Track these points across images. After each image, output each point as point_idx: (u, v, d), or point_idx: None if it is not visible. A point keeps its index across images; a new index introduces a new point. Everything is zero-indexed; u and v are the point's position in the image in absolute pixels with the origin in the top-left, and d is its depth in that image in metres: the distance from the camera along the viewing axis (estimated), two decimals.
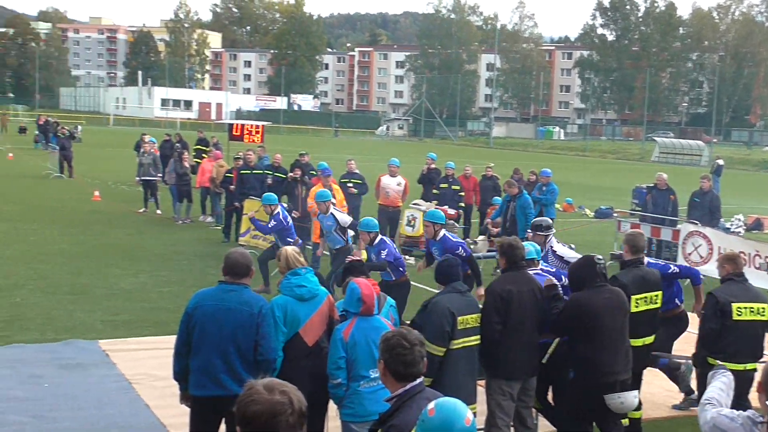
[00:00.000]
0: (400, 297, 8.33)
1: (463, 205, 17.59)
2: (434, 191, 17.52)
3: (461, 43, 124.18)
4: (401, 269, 9.37)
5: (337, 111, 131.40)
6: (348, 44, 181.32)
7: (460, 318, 6.12)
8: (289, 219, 12.41)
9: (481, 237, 17.11)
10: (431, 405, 3.27)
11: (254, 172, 17.27)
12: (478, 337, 6.29)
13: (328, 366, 5.56)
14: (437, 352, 5.92)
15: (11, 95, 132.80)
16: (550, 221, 9.73)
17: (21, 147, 44.02)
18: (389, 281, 9.23)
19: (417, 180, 18.88)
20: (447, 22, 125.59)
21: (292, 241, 11.62)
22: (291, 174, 16.85)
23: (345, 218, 11.49)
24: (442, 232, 9.27)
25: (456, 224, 17.07)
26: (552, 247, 8.81)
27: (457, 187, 17.42)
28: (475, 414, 6.21)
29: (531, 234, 9.02)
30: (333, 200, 12.21)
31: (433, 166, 18.93)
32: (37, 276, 13.08)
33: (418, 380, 3.95)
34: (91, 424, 7.14)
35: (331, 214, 11.30)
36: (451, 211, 16.72)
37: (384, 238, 9.59)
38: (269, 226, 12.12)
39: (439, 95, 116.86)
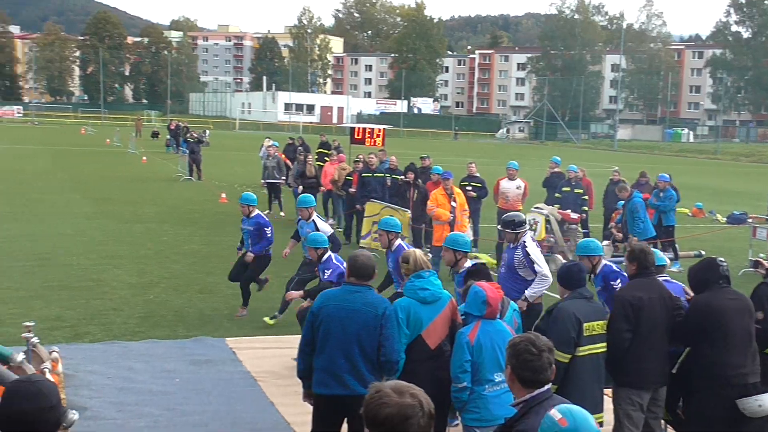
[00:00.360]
0: None
1: (586, 209, 17.20)
2: (556, 195, 17.21)
3: (585, 43, 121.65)
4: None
5: (457, 114, 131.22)
6: (468, 47, 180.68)
7: (586, 324, 5.97)
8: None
9: (605, 242, 16.66)
10: (558, 414, 3.17)
11: (375, 175, 17.42)
12: (605, 344, 6.11)
13: (452, 369, 5.53)
14: (562, 358, 5.79)
15: (145, 101, 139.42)
16: (523, 218, 8.89)
17: (153, 151, 46.07)
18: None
19: (542, 184, 18.60)
20: (570, 22, 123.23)
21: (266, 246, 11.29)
22: (401, 178, 16.94)
23: (326, 228, 10.91)
24: (398, 241, 8.64)
25: (579, 228, 16.71)
26: (525, 243, 8.29)
27: (580, 191, 17.05)
28: (601, 424, 6.08)
29: (501, 229, 8.70)
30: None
31: (556, 169, 18.59)
32: (169, 275, 13.63)
33: (546, 387, 3.88)
34: (220, 420, 7.36)
35: (313, 221, 10.86)
36: (574, 215, 16.37)
37: (333, 256, 8.93)
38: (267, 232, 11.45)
39: (561, 97, 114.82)
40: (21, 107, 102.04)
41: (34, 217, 19.43)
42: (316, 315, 5.71)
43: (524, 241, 8.28)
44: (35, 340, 7.32)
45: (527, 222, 8.89)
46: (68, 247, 15.85)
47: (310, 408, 5.93)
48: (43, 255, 14.74)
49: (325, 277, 8.74)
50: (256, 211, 11.40)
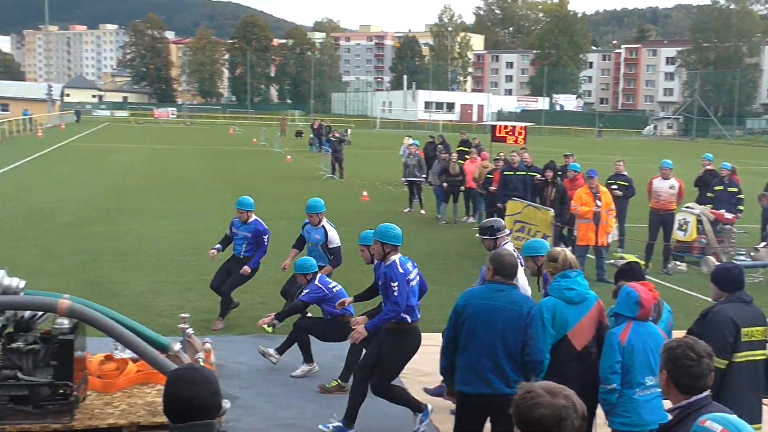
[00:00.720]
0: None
1: (742, 208, 16.32)
2: (708, 194, 16.44)
3: (741, 35, 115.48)
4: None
5: (601, 111, 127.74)
6: (614, 41, 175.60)
7: (744, 329, 5.67)
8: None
9: (763, 244, 15.78)
10: (719, 426, 2.98)
11: (517, 173, 17.21)
12: (765, 351, 5.78)
13: (601, 370, 5.39)
14: (719, 364, 5.51)
15: (289, 101, 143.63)
16: (502, 223, 8.35)
17: (297, 150, 47.38)
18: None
19: (693, 182, 17.83)
20: (725, 13, 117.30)
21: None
22: (538, 177, 16.64)
23: (335, 238, 10.19)
24: (395, 256, 7.32)
25: (734, 229, 15.91)
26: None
27: (734, 189, 16.19)
28: None
29: (479, 236, 8.39)
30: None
31: (709, 167, 17.77)
32: None
33: (705, 393, 3.71)
34: (363, 412, 7.47)
35: (323, 227, 10.16)
36: (729, 215, 15.59)
37: (318, 278, 8.76)
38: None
39: (714, 92, 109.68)
40: (175, 109, 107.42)
41: (187, 214, 20.40)
42: (459, 313, 5.70)
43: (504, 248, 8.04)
44: (190, 330, 7.67)
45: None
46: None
47: (453, 405, 5.93)
48: (196, 250, 15.44)
49: (301, 296, 8.66)
50: (254, 217, 10.78)
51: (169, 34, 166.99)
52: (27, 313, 7.05)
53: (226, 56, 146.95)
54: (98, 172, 30.74)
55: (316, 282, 8.77)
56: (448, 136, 32.43)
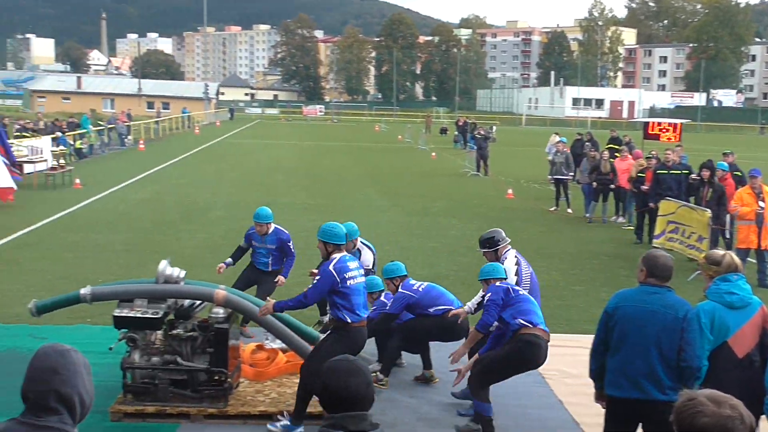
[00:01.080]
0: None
1: None
2: None
3: None
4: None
5: (764, 107, 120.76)
6: None
7: None
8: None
9: None
10: None
11: (671, 172, 16.54)
12: None
13: (767, 381, 5.07)
14: None
15: (434, 98, 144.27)
16: (502, 233, 7.98)
17: (441, 147, 47.48)
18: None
19: None
20: None
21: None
22: (692, 176, 15.93)
23: (369, 259, 9.42)
24: (340, 255, 7.02)
25: None
26: (506, 258, 7.81)
27: None
28: None
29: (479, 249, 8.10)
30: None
31: None
32: (457, 268, 13.93)
33: None
34: (506, 412, 7.39)
35: (357, 250, 9.28)
36: None
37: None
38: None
39: None
40: (323, 106, 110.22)
41: (333, 209, 20.84)
42: (610, 315, 5.52)
43: (505, 258, 7.80)
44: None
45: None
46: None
47: (601, 409, 5.76)
48: None
49: (370, 312, 7.82)
50: (273, 226, 9.81)
51: (318, 33, 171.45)
52: (186, 302, 7.41)
53: (373, 54, 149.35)
54: (249, 168, 31.95)
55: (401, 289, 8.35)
56: (596, 133, 31.67)
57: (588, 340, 6.00)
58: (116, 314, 6.98)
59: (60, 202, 20.70)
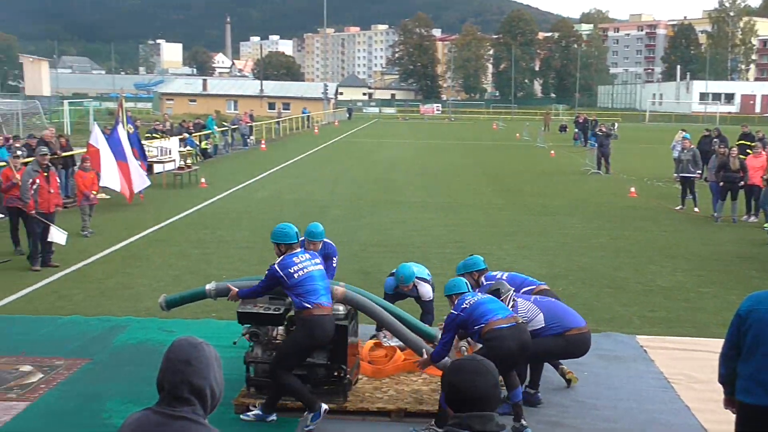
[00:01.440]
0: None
1: None
2: None
3: None
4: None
5: None
6: None
7: None
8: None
9: None
10: None
11: None
12: None
13: None
14: None
15: (553, 95, 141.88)
16: (507, 287, 7.42)
17: (560, 144, 46.63)
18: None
19: None
20: None
21: None
22: None
23: (428, 291, 8.73)
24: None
25: None
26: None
27: None
28: None
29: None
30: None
31: None
32: (577, 268, 13.63)
33: None
34: (631, 417, 7.17)
35: (414, 287, 8.66)
36: None
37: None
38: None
39: None
40: (440, 104, 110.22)
41: (451, 207, 20.80)
42: (743, 318, 5.25)
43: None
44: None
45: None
46: (483, 236, 16.70)
47: (731, 416, 5.49)
48: (459, 243, 15.67)
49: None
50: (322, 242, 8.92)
51: (436, 32, 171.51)
52: None
53: (491, 52, 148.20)
54: (367, 167, 32.29)
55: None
56: (724, 129, 30.35)
57: (716, 344, 5.75)
58: (240, 310, 7.19)
59: (187, 200, 21.52)
